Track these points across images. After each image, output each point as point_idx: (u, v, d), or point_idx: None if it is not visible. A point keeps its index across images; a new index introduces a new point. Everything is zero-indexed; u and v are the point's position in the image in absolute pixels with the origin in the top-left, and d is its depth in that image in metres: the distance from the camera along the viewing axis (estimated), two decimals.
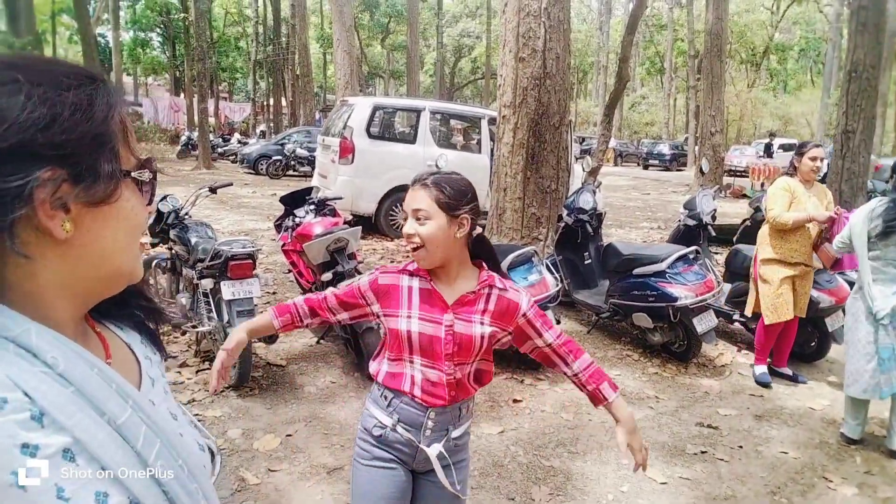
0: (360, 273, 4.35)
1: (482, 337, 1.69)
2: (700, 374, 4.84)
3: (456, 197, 1.64)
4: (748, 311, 4.69)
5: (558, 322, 4.71)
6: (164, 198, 4.84)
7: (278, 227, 5.57)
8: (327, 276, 4.32)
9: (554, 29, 6.53)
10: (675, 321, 4.68)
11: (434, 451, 1.73)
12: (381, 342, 1.83)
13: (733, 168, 24.37)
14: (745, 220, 7.47)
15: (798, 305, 4.48)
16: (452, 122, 11.67)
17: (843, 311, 4.68)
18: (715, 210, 5.77)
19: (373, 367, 1.83)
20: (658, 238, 10.47)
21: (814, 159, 4.35)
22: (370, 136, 9.21)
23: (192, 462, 0.78)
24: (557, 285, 4.52)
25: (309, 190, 5.53)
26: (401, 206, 6.56)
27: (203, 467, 0.83)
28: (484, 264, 1.77)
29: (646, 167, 32.06)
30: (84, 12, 20.44)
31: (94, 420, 0.65)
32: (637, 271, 4.82)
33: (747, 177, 19.58)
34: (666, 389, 4.48)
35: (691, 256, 4.80)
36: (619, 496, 3.14)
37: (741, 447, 3.70)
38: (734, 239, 6.91)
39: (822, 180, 6.92)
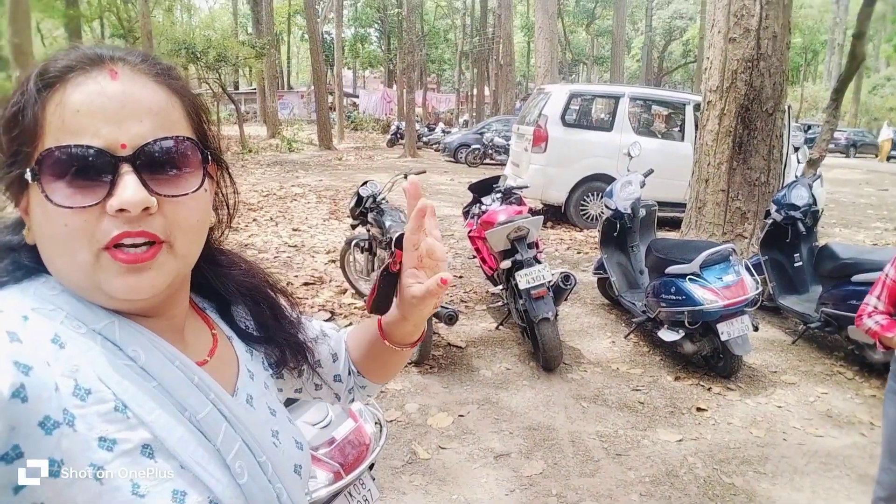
0: (539, 262, 4.32)
1: None
2: None
3: None
4: None
5: (756, 329, 4.27)
6: (365, 183, 5.21)
7: (466, 214, 5.73)
8: (506, 263, 4.36)
9: (772, 5, 5.90)
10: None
11: None
12: None
13: None
14: None
15: None
16: (654, 108, 11.10)
17: None
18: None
19: None
20: (894, 241, 9.06)
21: None
22: (565, 123, 9.08)
23: (279, 461, 0.75)
24: (758, 288, 4.11)
25: (497, 178, 5.60)
26: (593, 195, 6.45)
27: (295, 467, 0.79)
28: None
29: (887, 159, 27.82)
30: (312, 13, 22.63)
31: (175, 416, 0.64)
32: (856, 278, 4.20)
33: None
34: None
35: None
36: None
37: None
38: None
39: None
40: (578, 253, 7.52)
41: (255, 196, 10.90)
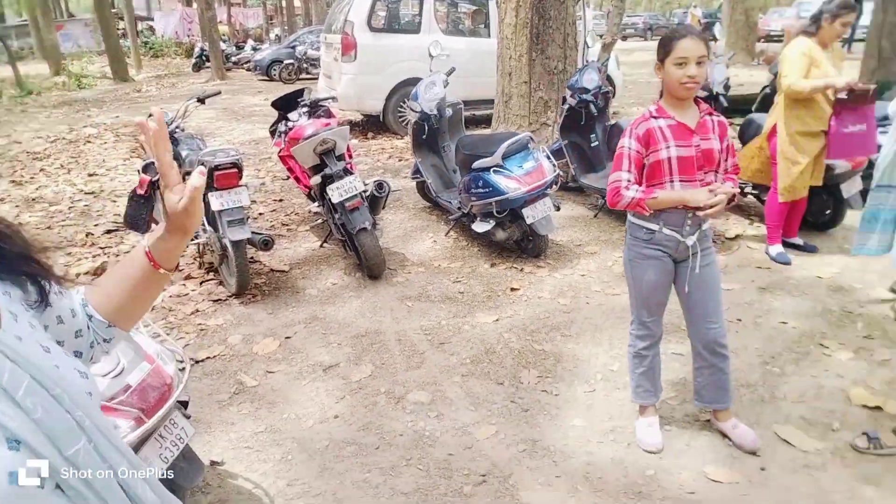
0: (350, 173, 4.28)
1: (719, 150, 2.37)
2: None
3: None
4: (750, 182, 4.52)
5: (558, 209, 4.61)
6: (150, 115, 4.78)
7: (272, 133, 5.49)
8: (316, 179, 4.28)
9: None
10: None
11: (691, 241, 2.41)
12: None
13: (771, 32, 22.82)
14: (764, 88, 7.04)
15: (815, 175, 4.25)
16: (461, 6, 11.09)
17: (861, 176, 4.46)
18: (728, 79, 5.41)
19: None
20: None
21: (845, 25, 3.93)
22: (372, 29, 8.83)
23: (73, 391, 0.78)
24: (555, 171, 4.39)
25: (300, 92, 5.37)
26: (407, 101, 6.14)
27: (88, 394, 0.82)
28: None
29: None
30: None
31: None
32: None
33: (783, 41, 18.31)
34: None
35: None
36: (608, 375, 3.17)
37: (740, 320, 3.66)
38: (753, 108, 6.55)
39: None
40: (400, 160, 7.56)
41: (41, 143, 9.67)
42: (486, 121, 8.50)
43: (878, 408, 2.82)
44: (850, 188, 4.53)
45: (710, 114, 2.41)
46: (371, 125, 9.42)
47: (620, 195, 2.38)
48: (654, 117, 2.36)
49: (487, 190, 4.33)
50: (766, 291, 4.02)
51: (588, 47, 6.79)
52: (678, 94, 2.31)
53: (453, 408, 2.96)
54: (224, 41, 23.12)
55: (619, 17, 7.48)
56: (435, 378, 3.20)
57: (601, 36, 6.55)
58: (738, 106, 7.23)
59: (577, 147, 5.63)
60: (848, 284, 4.04)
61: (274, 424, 2.89)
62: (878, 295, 3.89)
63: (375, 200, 4.42)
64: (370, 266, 4.29)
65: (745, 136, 5.07)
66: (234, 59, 22.54)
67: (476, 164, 4.43)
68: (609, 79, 8.07)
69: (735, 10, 16.93)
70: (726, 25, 17.15)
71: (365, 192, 4.30)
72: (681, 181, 2.36)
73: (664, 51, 2.29)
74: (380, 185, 4.42)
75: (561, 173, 4.42)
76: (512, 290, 4.16)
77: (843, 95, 3.89)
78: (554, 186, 4.52)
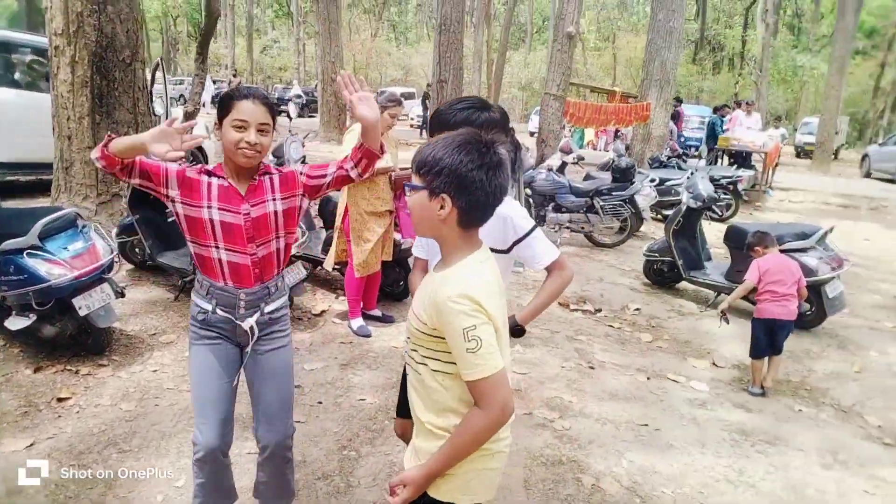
0: None
1: (275, 213, 2.08)
2: (295, 328, 4.66)
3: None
4: (330, 264, 4.64)
5: (122, 295, 3.98)
6: None
7: None
8: None
9: None
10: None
11: (248, 324, 2.11)
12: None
13: None
14: None
15: (385, 251, 4.56)
16: (16, 55, 9.42)
17: None
18: (304, 157, 5.59)
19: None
20: None
21: (393, 116, 4.31)
22: None
23: None
24: (113, 252, 3.79)
25: None
26: None
27: None
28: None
29: (279, 112, 31.54)
30: None
31: None
32: None
33: None
34: None
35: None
36: (171, 494, 2.71)
37: (321, 403, 3.59)
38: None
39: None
40: None
41: None
42: (44, 187, 7.23)
43: None
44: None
45: (269, 173, 2.11)
46: None
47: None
48: (207, 173, 2.04)
49: (22, 277, 3.48)
50: (347, 367, 4.08)
51: (156, 115, 6.30)
52: (236, 159, 2.00)
53: None
54: None
55: (201, 84, 7.21)
56: None
57: (184, 101, 6.17)
58: None
59: (152, 222, 5.06)
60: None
61: None
62: None
63: None
64: None
65: (324, 213, 5.23)
66: None
67: (6, 245, 3.54)
68: (199, 148, 7.72)
69: (326, 92, 18.29)
70: (321, 105, 18.41)
71: None
72: (227, 250, 2.04)
73: (222, 110, 2.02)
74: None
75: (116, 256, 3.83)
76: (59, 400, 3.37)
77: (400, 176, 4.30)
78: (116, 268, 3.91)
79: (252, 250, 2.06)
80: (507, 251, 2.06)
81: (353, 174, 2.12)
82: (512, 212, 2.02)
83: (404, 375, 2.30)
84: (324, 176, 2.14)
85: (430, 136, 2.01)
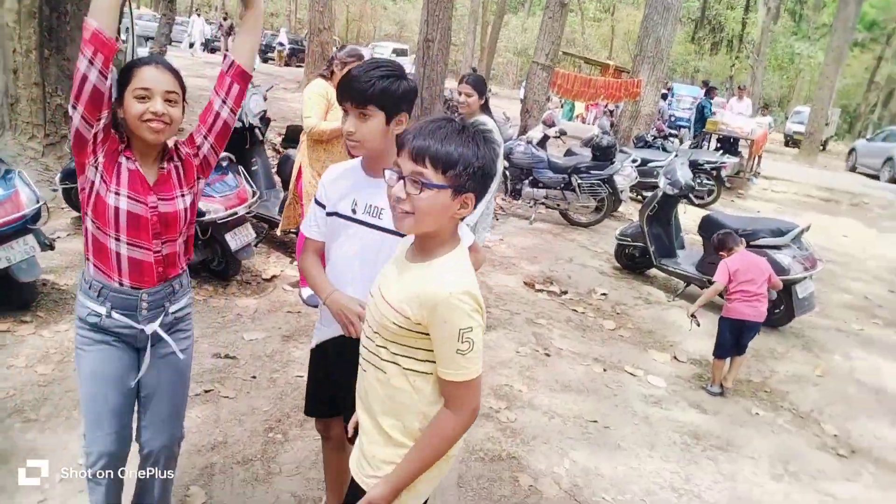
0: None
1: (185, 210, 1.84)
2: (241, 292, 4.43)
3: None
4: (280, 228, 4.39)
5: (51, 247, 3.69)
6: None
7: None
8: None
9: None
10: (206, 237, 4.11)
11: (151, 328, 1.84)
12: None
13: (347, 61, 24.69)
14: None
15: None
16: None
17: None
18: (265, 112, 5.27)
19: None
20: None
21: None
22: None
23: None
24: (38, 202, 3.50)
25: None
26: None
27: None
28: None
29: (265, 60, 30.73)
30: None
31: None
32: None
33: None
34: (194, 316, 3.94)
35: (224, 164, 4.24)
36: (72, 473, 2.47)
37: (254, 378, 3.38)
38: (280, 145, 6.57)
39: None
40: None
41: None
42: None
43: None
44: None
45: (174, 156, 1.85)
46: None
47: None
48: (123, 151, 1.75)
49: None
50: (290, 340, 3.87)
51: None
52: (142, 134, 1.72)
53: None
54: None
55: (168, 25, 6.80)
56: None
57: (148, 40, 5.80)
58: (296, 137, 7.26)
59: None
60: None
61: None
62: None
63: None
64: None
65: (283, 173, 4.96)
66: None
67: None
68: None
69: (313, 42, 17.69)
70: (307, 55, 17.84)
71: None
72: (129, 244, 1.78)
73: (122, 80, 1.73)
74: None
75: (44, 205, 3.54)
76: None
77: None
78: (44, 219, 3.63)
79: (157, 247, 1.81)
80: None
81: (225, 114, 1.84)
82: None
83: (316, 369, 2.08)
84: (197, 146, 1.87)
85: (339, 101, 1.76)
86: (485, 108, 4.00)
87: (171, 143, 1.85)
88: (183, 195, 1.83)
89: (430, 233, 1.35)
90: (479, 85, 3.92)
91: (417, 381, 1.36)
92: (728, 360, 4.08)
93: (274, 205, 5.09)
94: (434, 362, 1.34)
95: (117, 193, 1.72)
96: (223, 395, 3.17)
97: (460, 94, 3.92)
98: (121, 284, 1.79)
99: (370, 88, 1.70)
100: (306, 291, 4.41)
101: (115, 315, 1.80)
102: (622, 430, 3.44)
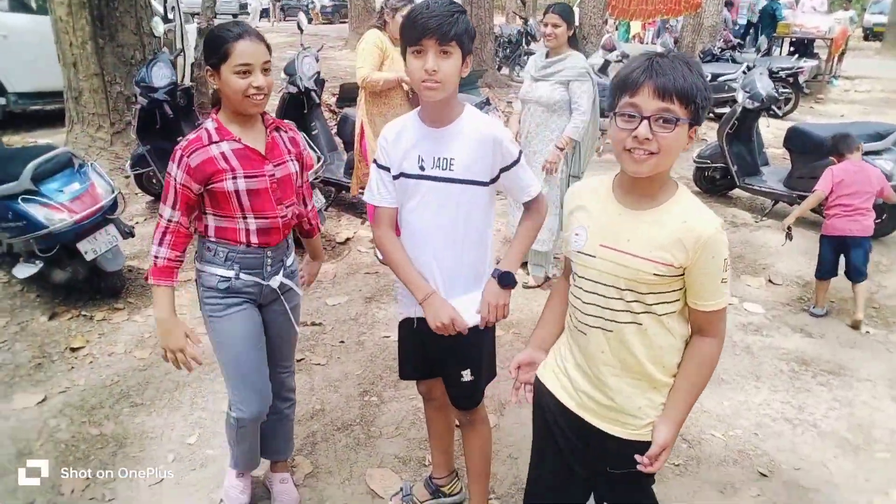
0: None
1: (296, 174, 1.98)
2: None
3: None
4: (353, 192, 4.33)
5: (131, 235, 3.76)
6: None
7: None
8: None
9: None
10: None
11: (276, 282, 1.99)
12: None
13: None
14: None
15: None
16: None
17: None
18: (318, 73, 5.16)
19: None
20: None
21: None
22: None
23: None
24: (113, 192, 3.56)
25: None
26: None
27: None
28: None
29: (309, 20, 30.39)
30: None
31: None
32: None
33: None
34: None
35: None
36: (182, 453, 2.56)
37: (343, 342, 3.40)
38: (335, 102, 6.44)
39: None
40: None
41: None
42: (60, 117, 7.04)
43: None
44: None
45: (279, 128, 1.95)
46: None
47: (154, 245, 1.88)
48: (215, 141, 1.79)
49: (21, 224, 3.30)
50: (371, 301, 3.85)
51: (155, 38, 5.83)
52: (244, 109, 1.79)
53: None
54: None
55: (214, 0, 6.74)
56: None
57: (195, 16, 5.74)
58: (352, 96, 7.14)
59: (165, 151, 4.80)
60: None
61: None
62: None
63: None
64: None
65: (343, 134, 4.88)
66: None
67: None
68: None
69: None
70: (350, 9, 17.50)
71: None
72: (256, 218, 1.88)
73: (216, 55, 1.74)
74: None
75: (119, 195, 3.58)
76: (72, 350, 3.25)
77: None
78: (121, 207, 3.70)
79: (282, 212, 1.93)
80: (491, 182, 1.73)
81: (296, 224, 2.11)
82: (503, 134, 1.70)
83: (406, 340, 2.00)
84: (300, 186, 2.07)
85: (412, 42, 1.61)
86: (572, 42, 3.77)
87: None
88: (291, 160, 1.96)
89: (654, 176, 1.33)
90: (566, 14, 3.66)
91: (670, 320, 1.40)
92: (830, 281, 3.80)
93: (339, 167, 5.03)
94: (678, 300, 1.38)
95: (234, 178, 1.81)
96: (315, 363, 3.19)
97: (546, 24, 3.68)
98: (248, 245, 1.90)
99: (454, 24, 1.56)
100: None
101: (242, 275, 1.92)
102: (723, 362, 3.28)
